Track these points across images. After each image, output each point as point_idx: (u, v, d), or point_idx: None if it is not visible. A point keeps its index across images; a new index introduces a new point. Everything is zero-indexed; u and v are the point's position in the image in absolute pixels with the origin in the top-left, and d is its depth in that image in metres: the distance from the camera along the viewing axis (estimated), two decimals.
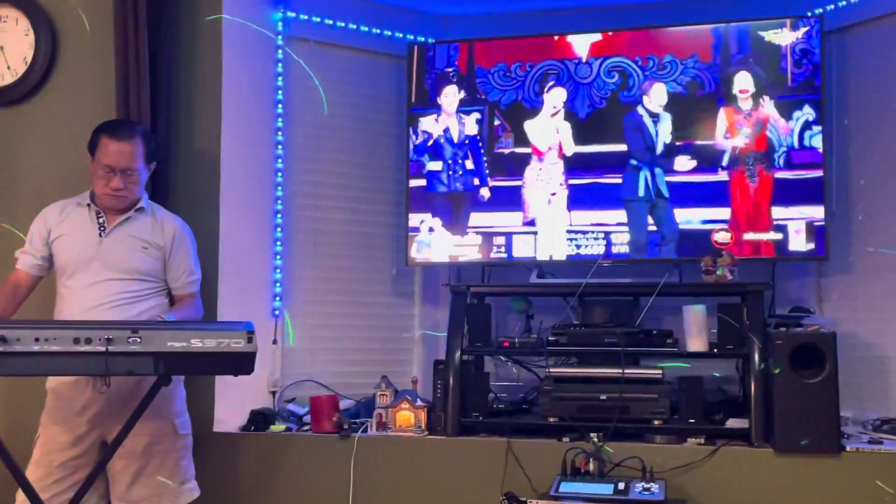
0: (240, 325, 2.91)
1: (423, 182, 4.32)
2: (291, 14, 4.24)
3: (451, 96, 4.33)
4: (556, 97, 4.23)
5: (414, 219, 4.29)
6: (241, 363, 2.88)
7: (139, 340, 2.77)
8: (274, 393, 4.10)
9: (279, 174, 4.18)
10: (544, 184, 4.20)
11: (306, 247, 4.30)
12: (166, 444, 3.30)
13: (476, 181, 4.28)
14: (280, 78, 4.20)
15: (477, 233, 4.25)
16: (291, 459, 3.78)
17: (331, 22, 4.35)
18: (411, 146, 4.33)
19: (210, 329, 2.90)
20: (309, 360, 4.25)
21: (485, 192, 4.26)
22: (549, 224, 4.19)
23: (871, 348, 3.91)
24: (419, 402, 3.83)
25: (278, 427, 3.89)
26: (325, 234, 4.37)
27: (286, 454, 3.79)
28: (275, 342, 4.10)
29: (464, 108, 4.32)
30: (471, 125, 4.31)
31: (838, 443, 3.38)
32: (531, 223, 4.21)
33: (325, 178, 4.37)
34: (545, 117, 4.24)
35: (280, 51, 4.21)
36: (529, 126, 4.25)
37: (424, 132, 4.33)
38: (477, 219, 4.27)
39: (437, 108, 4.34)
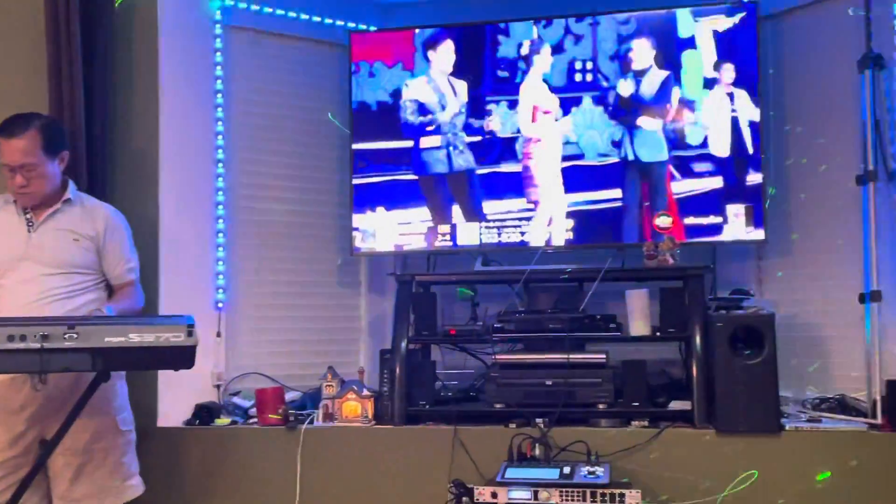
0: (180, 318, 2.85)
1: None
2: (230, 2, 4.18)
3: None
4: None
5: (359, 208, 4.28)
6: (182, 357, 2.83)
7: (76, 336, 2.71)
8: (219, 386, 4.06)
9: (220, 165, 4.12)
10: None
11: (250, 238, 4.26)
12: (108, 441, 3.25)
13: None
14: (219, 68, 4.14)
15: (422, 222, 4.25)
16: (237, 453, 3.76)
17: (270, 10, 4.30)
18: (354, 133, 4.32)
19: (149, 323, 2.84)
20: (254, 353, 4.21)
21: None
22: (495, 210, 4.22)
23: (810, 328, 3.98)
24: (365, 392, 3.82)
25: (223, 420, 3.86)
26: (268, 225, 4.33)
27: (232, 448, 3.76)
28: (219, 335, 4.06)
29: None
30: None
31: (778, 422, 3.45)
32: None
33: (267, 169, 4.33)
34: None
35: (219, 40, 4.15)
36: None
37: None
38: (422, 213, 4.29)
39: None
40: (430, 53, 4.32)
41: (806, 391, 3.92)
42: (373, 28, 4.54)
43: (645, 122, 4.12)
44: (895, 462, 3.32)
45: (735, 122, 4.01)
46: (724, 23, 4.04)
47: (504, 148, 4.26)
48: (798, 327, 3.99)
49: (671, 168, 4.07)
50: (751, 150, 3.99)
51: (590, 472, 3.29)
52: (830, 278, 3.92)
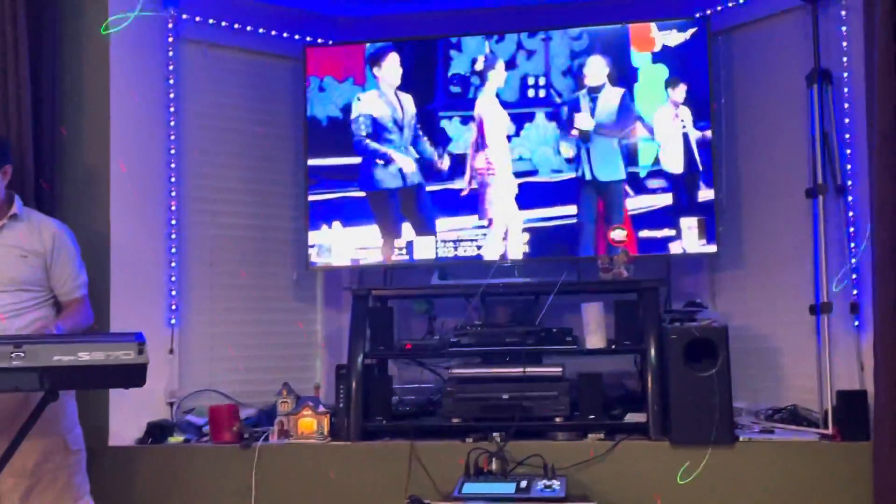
0: (130, 336, 2.80)
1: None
2: (182, 15, 4.13)
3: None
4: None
5: (315, 221, 4.25)
6: (132, 376, 2.78)
7: (23, 355, 2.65)
8: (172, 404, 4.00)
9: (172, 180, 4.07)
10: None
11: (203, 253, 4.21)
12: (57, 461, 3.18)
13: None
14: (172, 81, 4.09)
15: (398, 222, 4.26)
16: (191, 471, 3.70)
17: (224, 24, 4.27)
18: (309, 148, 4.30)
19: (99, 341, 2.78)
20: (208, 370, 4.16)
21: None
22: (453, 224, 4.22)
23: (763, 340, 4.03)
24: (321, 409, 3.79)
25: (177, 439, 3.81)
26: (222, 239, 4.28)
27: (185, 466, 3.71)
28: (171, 352, 4.00)
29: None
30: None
31: (732, 434, 3.48)
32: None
33: (221, 184, 4.29)
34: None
35: (171, 53, 4.10)
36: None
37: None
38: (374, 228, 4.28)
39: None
40: (376, 69, 4.30)
41: (759, 402, 3.96)
42: (329, 42, 4.52)
43: (598, 138, 4.14)
44: (846, 472, 3.37)
45: (686, 138, 4.06)
46: (675, 38, 4.09)
47: (457, 164, 4.25)
48: (751, 339, 4.03)
49: (626, 185, 4.10)
50: (702, 166, 4.03)
51: (546, 486, 3.29)
52: (782, 290, 3.97)
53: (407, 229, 4.24)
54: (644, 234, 4.05)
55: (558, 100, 4.19)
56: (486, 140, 4.24)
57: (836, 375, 3.55)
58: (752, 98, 4.18)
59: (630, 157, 4.11)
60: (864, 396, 3.44)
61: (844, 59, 3.70)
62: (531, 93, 4.23)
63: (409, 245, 4.22)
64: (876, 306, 3.31)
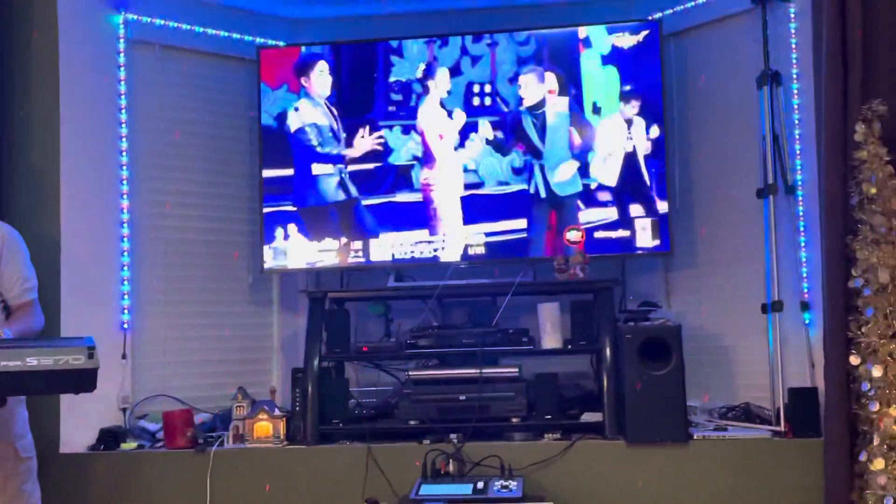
0: (80, 340, 2.76)
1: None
2: (133, 17, 4.08)
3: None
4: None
5: (269, 225, 4.22)
6: (82, 381, 2.73)
7: None
8: (125, 410, 3.94)
9: (125, 183, 4.02)
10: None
11: (156, 257, 4.15)
12: (7, 469, 3.11)
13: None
14: (123, 84, 4.04)
15: (334, 238, 4.21)
16: (144, 478, 3.66)
17: (176, 25, 4.22)
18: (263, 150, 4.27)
19: (48, 346, 2.74)
20: (162, 374, 4.10)
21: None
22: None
23: (716, 339, 4.07)
24: (277, 412, 3.77)
25: (130, 445, 3.75)
26: (176, 243, 4.23)
27: (139, 473, 3.66)
28: (124, 357, 3.94)
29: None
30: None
31: (686, 432, 3.51)
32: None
33: (174, 186, 4.24)
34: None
35: (122, 55, 4.05)
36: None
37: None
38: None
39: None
40: (304, 80, 4.27)
41: (713, 400, 4.00)
42: (281, 43, 4.49)
43: (546, 147, 4.14)
44: (798, 468, 3.42)
45: (638, 141, 4.08)
46: (628, 41, 4.12)
47: (399, 176, 4.22)
48: (704, 338, 4.08)
49: (579, 198, 4.11)
50: (656, 165, 4.06)
51: (503, 487, 3.30)
52: (735, 289, 4.02)
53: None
54: (598, 234, 4.08)
55: (505, 108, 4.17)
56: (431, 151, 4.20)
57: (787, 373, 3.60)
58: (705, 100, 4.22)
59: (580, 164, 4.11)
60: (814, 393, 3.49)
61: (794, 60, 3.76)
62: (476, 101, 4.18)
63: (366, 247, 4.20)
64: (826, 304, 3.36)
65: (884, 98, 3.23)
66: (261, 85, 4.28)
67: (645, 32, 4.11)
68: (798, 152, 3.75)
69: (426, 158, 4.21)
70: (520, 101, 4.17)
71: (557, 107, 4.15)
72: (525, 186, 4.14)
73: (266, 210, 4.23)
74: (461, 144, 4.19)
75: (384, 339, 4.14)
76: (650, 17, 4.21)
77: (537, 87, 4.15)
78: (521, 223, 4.13)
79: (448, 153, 4.19)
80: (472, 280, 4.08)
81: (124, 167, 4.02)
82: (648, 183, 4.07)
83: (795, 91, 3.77)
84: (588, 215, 4.10)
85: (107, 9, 4.01)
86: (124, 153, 4.03)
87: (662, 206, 4.05)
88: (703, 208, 4.21)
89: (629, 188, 4.09)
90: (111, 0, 4.01)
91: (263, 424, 3.74)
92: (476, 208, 4.15)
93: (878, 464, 3.07)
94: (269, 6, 4.49)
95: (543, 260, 4.09)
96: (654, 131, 4.08)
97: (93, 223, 3.90)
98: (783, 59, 3.78)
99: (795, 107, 3.77)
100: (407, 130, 4.21)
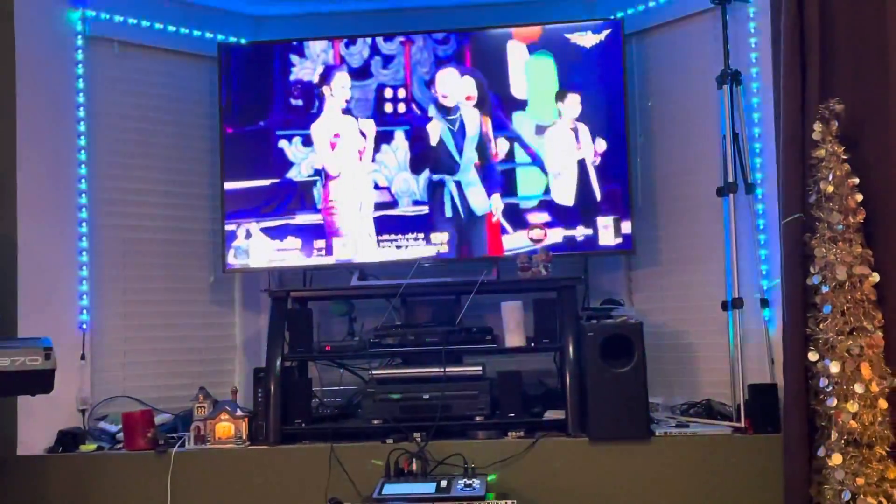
0: (36, 341, 2.75)
1: (241, 184, 4.20)
2: (91, 13, 4.03)
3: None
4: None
5: (231, 224, 4.19)
6: (39, 382, 2.72)
7: None
8: (84, 411, 3.89)
9: (83, 181, 3.97)
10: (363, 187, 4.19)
11: (115, 257, 4.10)
12: None
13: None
14: (81, 80, 3.99)
15: (297, 236, 4.19)
16: (104, 480, 3.61)
17: (135, 21, 4.17)
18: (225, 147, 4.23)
19: (3, 347, 2.72)
20: (122, 375, 4.06)
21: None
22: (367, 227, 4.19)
23: (678, 336, 4.10)
24: (239, 412, 3.73)
25: (89, 447, 3.70)
26: (136, 242, 4.18)
27: (98, 475, 3.61)
28: (83, 357, 3.89)
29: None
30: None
31: (648, 429, 3.54)
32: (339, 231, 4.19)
33: (134, 185, 4.19)
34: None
35: (80, 52, 3.99)
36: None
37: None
38: (302, 219, 4.19)
39: None
40: None
41: (675, 397, 4.03)
42: (243, 41, 4.46)
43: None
44: (758, 464, 3.45)
45: (598, 141, 4.09)
46: (590, 39, 4.14)
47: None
48: (666, 335, 4.11)
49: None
50: (617, 165, 4.08)
51: (466, 485, 3.29)
52: (696, 287, 4.05)
53: None
54: (561, 232, 4.09)
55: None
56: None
57: (748, 369, 3.64)
58: (666, 99, 4.25)
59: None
60: (774, 390, 3.53)
61: (753, 60, 3.80)
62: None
63: (328, 246, 4.18)
64: (784, 301, 3.40)
65: (841, 97, 3.26)
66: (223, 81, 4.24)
67: (607, 31, 4.12)
68: (758, 151, 3.79)
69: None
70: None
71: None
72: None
73: (229, 209, 4.19)
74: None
75: (347, 338, 4.12)
76: (612, 17, 4.23)
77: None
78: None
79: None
80: (436, 279, 4.07)
81: (82, 165, 3.98)
82: (609, 180, 4.07)
83: (755, 90, 3.80)
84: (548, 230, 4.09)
85: (65, 5, 3.97)
86: (82, 151, 3.98)
87: (625, 204, 4.06)
88: (664, 207, 4.24)
89: (584, 185, 4.08)
90: None
91: (225, 425, 3.71)
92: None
93: (836, 459, 3.11)
94: (232, 3, 4.45)
95: (507, 259, 4.09)
96: (613, 133, 4.08)
97: (50, 223, 3.84)
98: (743, 59, 3.82)
99: (755, 106, 3.80)
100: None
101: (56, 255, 3.86)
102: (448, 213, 4.09)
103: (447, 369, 3.75)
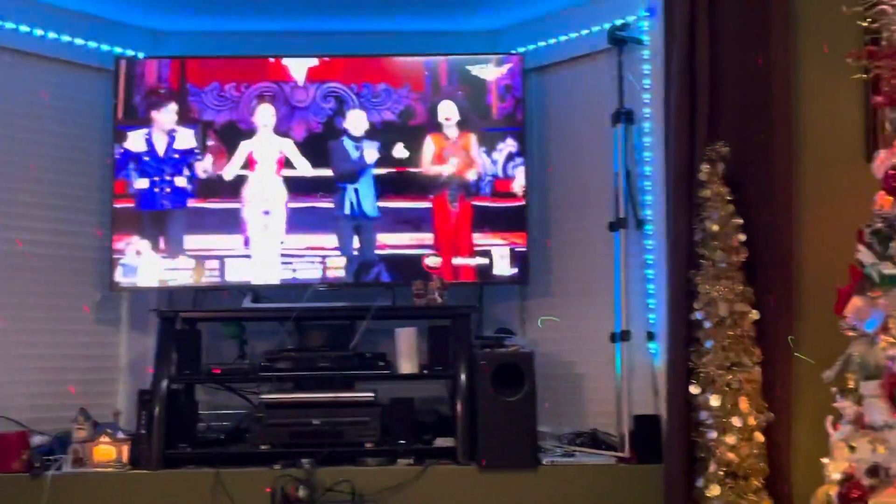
0: None
1: (130, 202, 4.12)
2: None
3: (163, 113, 4.18)
4: (263, 114, 4.21)
5: (119, 241, 4.08)
6: None
7: None
8: None
9: None
10: (260, 205, 4.15)
11: None
12: None
13: (190, 201, 4.15)
14: None
15: (191, 256, 4.11)
16: None
17: (27, 29, 4.04)
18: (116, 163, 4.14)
19: None
20: None
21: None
22: (265, 247, 4.14)
23: (568, 366, 4.17)
24: (121, 435, 3.62)
25: None
26: (18, 256, 4.02)
27: None
28: None
29: (177, 126, 4.19)
30: (183, 142, 4.17)
31: (535, 457, 3.58)
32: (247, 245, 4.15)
33: (17, 197, 4.03)
34: (265, 137, 4.19)
35: None
36: (247, 146, 4.19)
37: (129, 149, 4.15)
38: (191, 241, 4.14)
39: (147, 125, 4.17)
40: None
41: (563, 426, 4.09)
42: (140, 55, 4.37)
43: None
44: (640, 493, 3.52)
45: (503, 168, 4.18)
46: (492, 72, 4.21)
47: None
48: (557, 365, 4.17)
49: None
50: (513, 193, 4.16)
51: None
52: (586, 318, 4.12)
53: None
54: (456, 261, 4.13)
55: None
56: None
57: (634, 401, 3.72)
58: (563, 135, 4.34)
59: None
60: (657, 421, 3.62)
61: (646, 100, 3.92)
62: None
63: (221, 267, 4.12)
64: (669, 335, 3.50)
65: (729, 138, 3.40)
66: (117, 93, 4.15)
67: (508, 65, 4.21)
68: (648, 188, 3.91)
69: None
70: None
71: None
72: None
73: (117, 226, 4.09)
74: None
75: (238, 361, 4.06)
76: (513, 52, 4.32)
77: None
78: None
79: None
80: (330, 303, 4.05)
81: None
82: (505, 212, 4.14)
83: (647, 129, 3.92)
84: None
85: None
86: None
87: (520, 236, 4.13)
88: (558, 239, 4.32)
89: (483, 216, 4.16)
90: None
91: (105, 448, 3.59)
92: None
93: (714, 490, 3.20)
94: (129, 16, 4.35)
95: (402, 284, 4.10)
96: (515, 162, 4.17)
97: None
98: (637, 99, 3.93)
99: (647, 144, 3.92)
100: None
101: None
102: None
103: (339, 395, 3.73)
